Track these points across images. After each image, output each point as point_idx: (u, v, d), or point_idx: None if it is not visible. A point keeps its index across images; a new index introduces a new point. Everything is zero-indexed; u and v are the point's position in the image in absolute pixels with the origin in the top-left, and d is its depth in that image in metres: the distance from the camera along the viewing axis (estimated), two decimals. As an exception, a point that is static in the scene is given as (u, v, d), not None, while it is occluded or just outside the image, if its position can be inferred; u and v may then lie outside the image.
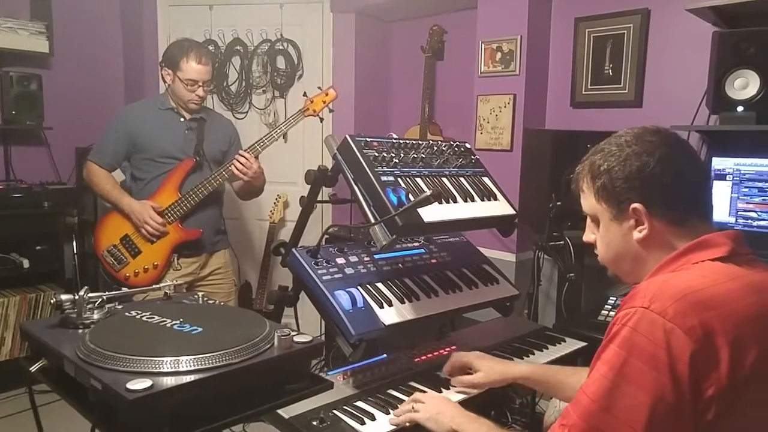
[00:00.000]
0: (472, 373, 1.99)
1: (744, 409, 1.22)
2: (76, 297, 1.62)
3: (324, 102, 3.65)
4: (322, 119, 3.80)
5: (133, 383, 1.23)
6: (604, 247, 1.54)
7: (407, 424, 1.75)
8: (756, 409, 1.25)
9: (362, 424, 1.74)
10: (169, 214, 3.43)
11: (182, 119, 3.58)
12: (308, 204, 2.44)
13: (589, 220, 1.59)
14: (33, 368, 1.52)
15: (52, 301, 1.64)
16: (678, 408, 1.18)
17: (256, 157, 3.49)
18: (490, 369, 1.98)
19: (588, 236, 1.61)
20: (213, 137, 3.64)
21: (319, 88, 3.72)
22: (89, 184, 3.62)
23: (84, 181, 3.68)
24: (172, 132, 3.55)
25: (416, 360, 2.17)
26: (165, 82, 3.61)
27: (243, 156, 3.43)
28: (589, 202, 1.55)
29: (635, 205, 1.41)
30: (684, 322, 1.19)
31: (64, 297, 1.63)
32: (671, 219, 1.40)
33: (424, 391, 1.92)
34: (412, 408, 1.77)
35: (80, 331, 1.57)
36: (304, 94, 3.69)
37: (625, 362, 1.22)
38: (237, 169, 3.43)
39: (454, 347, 2.30)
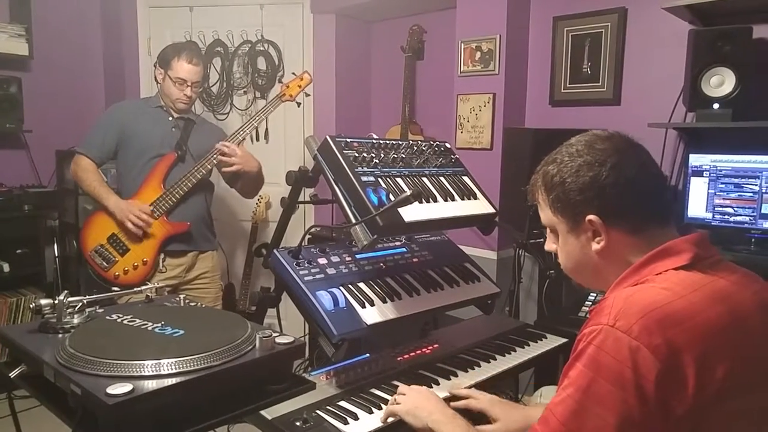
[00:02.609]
0: (490, 422, 1.84)
1: (715, 426, 1.21)
2: (56, 301, 1.62)
3: (299, 86, 3.72)
4: (299, 104, 3.85)
5: (113, 388, 1.22)
6: (564, 257, 1.53)
7: (390, 418, 1.76)
8: (728, 426, 1.23)
9: (345, 424, 1.74)
10: (155, 209, 3.43)
11: (170, 118, 3.61)
12: (289, 205, 2.44)
13: (548, 230, 1.56)
14: (12, 374, 1.52)
15: (31, 305, 1.63)
16: (646, 428, 1.17)
17: (239, 145, 3.52)
18: (507, 417, 1.82)
19: (549, 245, 1.58)
20: (199, 138, 3.64)
21: (294, 73, 3.78)
22: (76, 179, 3.60)
23: (71, 176, 3.66)
24: (158, 128, 3.57)
25: (399, 359, 2.18)
26: (157, 81, 3.65)
27: (225, 145, 3.45)
28: (545, 213, 1.52)
29: (590, 216, 1.38)
30: (650, 341, 1.17)
31: (43, 302, 1.62)
32: (629, 228, 1.38)
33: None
34: (395, 400, 1.78)
35: (60, 335, 1.56)
36: (279, 81, 3.71)
37: (591, 382, 1.20)
38: (223, 158, 3.44)
39: (436, 345, 2.32)
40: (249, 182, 3.72)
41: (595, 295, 2.99)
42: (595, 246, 1.41)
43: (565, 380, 1.28)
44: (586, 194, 1.38)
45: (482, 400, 1.88)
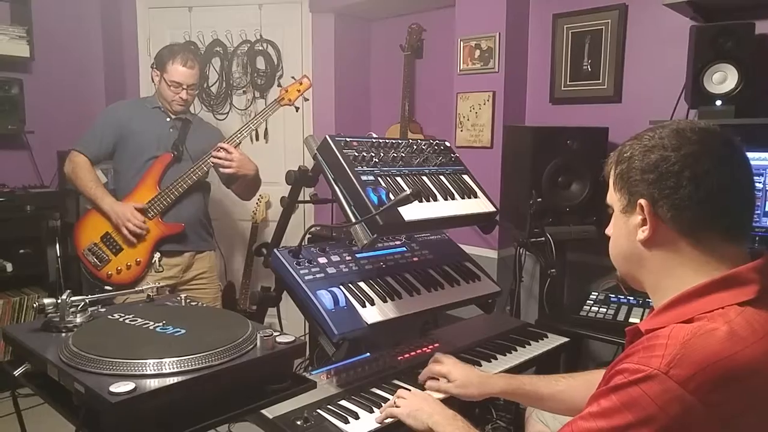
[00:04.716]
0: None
1: None
2: (59, 301, 1.62)
3: (299, 91, 3.71)
4: (297, 108, 3.85)
5: (116, 386, 1.23)
6: (611, 240, 1.43)
7: (388, 419, 1.77)
8: None
9: (346, 423, 1.75)
10: (150, 210, 3.44)
11: (168, 118, 3.62)
12: (289, 204, 2.45)
13: (610, 210, 1.43)
14: (17, 372, 1.52)
15: (34, 305, 1.63)
16: None
17: (236, 147, 3.53)
18: (466, 379, 1.93)
19: (608, 229, 1.46)
20: (196, 138, 3.65)
21: (293, 77, 3.78)
22: (72, 178, 3.58)
23: (66, 175, 3.65)
24: (156, 128, 3.58)
25: (399, 358, 2.19)
26: (154, 83, 3.66)
27: (222, 147, 3.46)
28: (610, 190, 1.41)
29: (641, 200, 1.28)
30: (708, 398, 1.08)
31: (46, 301, 1.62)
32: (679, 226, 1.25)
33: (408, 389, 1.92)
34: (394, 403, 1.79)
35: (63, 334, 1.57)
36: (279, 85, 3.71)
37: (630, 426, 1.12)
38: (219, 162, 3.45)
39: (437, 345, 2.32)
40: (245, 185, 3.74)
41: (596, 293, 2.99)
42: (641, 235, 1.30)
43: (594, 406, 1.20)
44: (646, 175, 1.27)
45: (446, 364, 1.99)
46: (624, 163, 1.33)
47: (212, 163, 3.47)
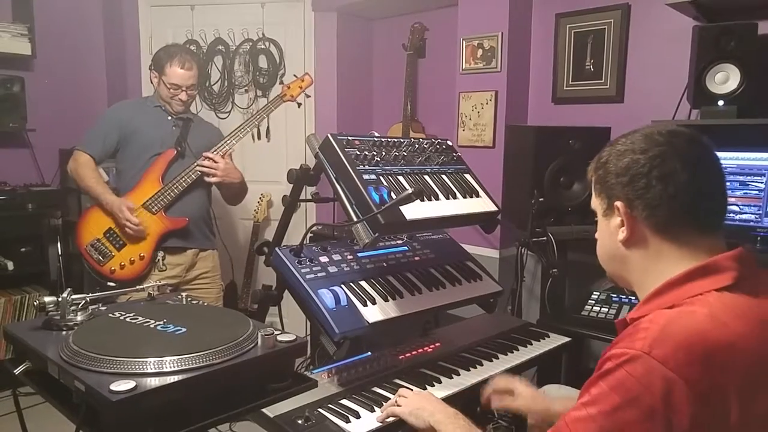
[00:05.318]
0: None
1: None
2: (60, 299, 1.62)
3: (300, 87, 3.75)
4: (299, 104, 3.86)
5: (116, 384, 1.23)
6: (598, 245, 1.50)
7: (390, 418, 1.77)
8: None
9: (347, 422, 1.75)
10: (153, 205, 3.43)
11: (169, 117, 3.62)
12: (291, 203, 2.45)
13: (595, 216, 1.50)
14: (17, 371, 1.53)
15: (35, 303, 1.64)
16: None
17: (225, 156, 3.54)
18: (532, 399, 1.92)
19: (597, 233, 1.51)
20: (198, 135, 3.66)
21: (295, 75, 3.81)
22: (74, 176, 3.59)
23: (69, 174, 3.66)
24: (159, 127, 3.58)
25: (401, 357, 2.19)
26: (152, 84, 3.66)
27: (207, 157, 3.49)
28: (593, 195, 1.48)
29: (617, 203, 1.35)
30: (688, 374, 1.12)
31: (47, 299, 1.63)
32: (655, 224, 1.32)
33: (410, 389, 1.92)
34: (396, 402, 1.79)
35: (64, 332, 1.57)
36: (281, 83, 3.73)
37: (617, 408, 1.16)
38: (205, 170, 3.48)
39: (438, 344, 2.32)
40: (230, 192, 3.77)
41: (598, 293, 2.99)
42: (621, 235, 1.37)
43: (585, 396, 1.23)
44: (620, 179, 1.35)
45: (513, 382, 1.96)
46: (601, 169, 1.41)
47: (199, 171, 3.48)
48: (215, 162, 3.48)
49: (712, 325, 1.18)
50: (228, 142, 3.55)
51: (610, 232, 1.41)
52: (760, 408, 1.17)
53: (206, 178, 3.52)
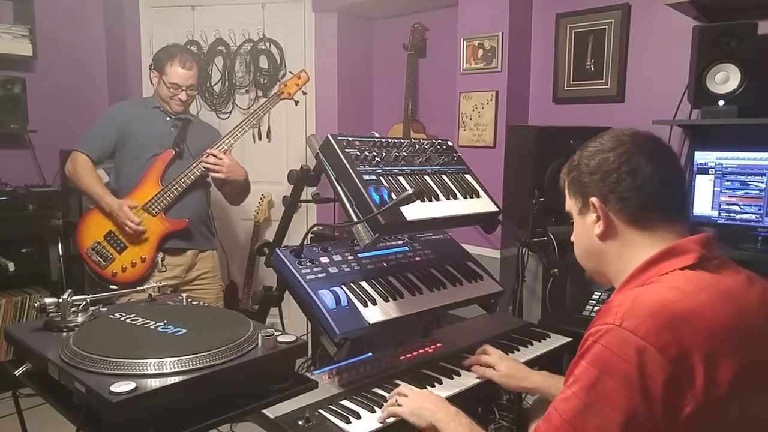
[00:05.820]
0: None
1: (723, 426, 1.21)
2: (60, 300, 1.62)
3: (297, 85, 3.79)
4: (296, 102, 3.89)
5: (116, 386, 1.23)
6: (575, 244, 1.59)
7: (391, 419, 1.77)
8: (736, 426, 1.24)
9: (348, 423, 1.75)
10: (153, 206, 3.43)
11: (168, 118, 3.62)
12: (291, 204, 2.45)
13: (570, 219, 1.61)
14: (18, 372, 1.53)
15: (36, 304, 1.64)
16: (651, 428, 1.18)
17: (227, 152, 3.54)
18: (509, 371, 2.04)
19: (573, 236, 1.62)
20: (196, 136, 3.66)
21: (291, 72, 3.86)
22: (73, 177, 3.59)
23: (67, 175, 3.66)
24: (158, 128, 3.59)
25: (401, 358, 2.18)
26: (152, 84, 3.66)
27: (211, 154, 3.49)
28: (567, 198, 1.59)
29: (592, 198, 1.45)
30: (657, 340, 1.18)
31: (48, 300, 1.63)
32: (627, 216, 1.42)
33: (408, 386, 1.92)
34: (396, 402, 1.79)
35: (64, 334, 1.57)
36: (281, 79, 3.75)
37: (597, 381, 1.21)
38: (210, 167, 3.48)
39: (439, 344, 2.32)
40: (234, 190, 3.77)
41: (599, 293, 2.99)
42: (597, 230, 1.47)
43: (569, 378, 1.29)
44: (593, 176, 1.46)
45: (494, 356, 2.11)
46: (574, 171, 1.53)
47: (204, 168, 3.48)
48: (220, 159, 3.48)
49: (677, 296, 1.26)
50: (227, 140, 3.56)
51: (586, 228, 1.51)
52: (723, 374, 1.20)
53: (212, 175, 3.53)
